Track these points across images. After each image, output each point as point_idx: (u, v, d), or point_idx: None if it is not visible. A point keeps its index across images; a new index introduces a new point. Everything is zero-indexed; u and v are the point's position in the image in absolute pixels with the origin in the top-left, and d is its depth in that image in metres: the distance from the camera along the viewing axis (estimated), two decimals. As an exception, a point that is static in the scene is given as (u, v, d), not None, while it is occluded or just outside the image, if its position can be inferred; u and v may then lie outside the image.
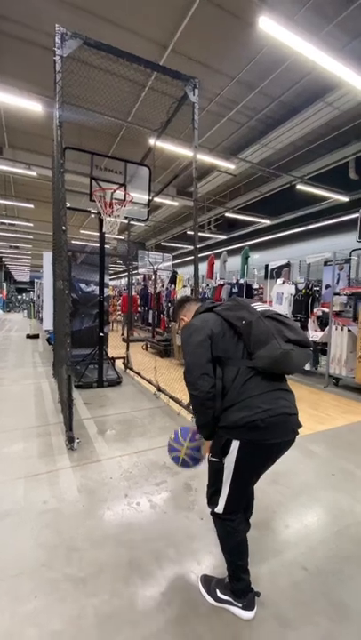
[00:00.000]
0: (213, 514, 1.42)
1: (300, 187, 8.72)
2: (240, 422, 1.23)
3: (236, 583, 1.39)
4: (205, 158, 7.29)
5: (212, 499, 1.40)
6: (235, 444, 1.26)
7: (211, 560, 1.66)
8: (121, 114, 6.33)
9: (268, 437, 1.24)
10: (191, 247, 3.56)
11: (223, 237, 14.40)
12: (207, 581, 1.50)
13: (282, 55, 4.78)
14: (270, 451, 1.31)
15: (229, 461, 1.29)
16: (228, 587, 1.41)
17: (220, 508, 1.37)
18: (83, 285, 6.07)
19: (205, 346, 1.31)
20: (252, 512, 1.63)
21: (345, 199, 9.22)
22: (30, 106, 5.25)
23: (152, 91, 5.62)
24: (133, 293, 12.11)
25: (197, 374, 1.28)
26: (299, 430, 1.33)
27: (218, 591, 1.43)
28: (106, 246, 4.88)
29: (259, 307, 1.37)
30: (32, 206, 11.15)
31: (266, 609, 1.41)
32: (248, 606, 1.37)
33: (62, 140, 2.89)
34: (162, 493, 2.23)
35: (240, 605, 1.38)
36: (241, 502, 1.44)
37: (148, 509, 2.06)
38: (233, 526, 1.38)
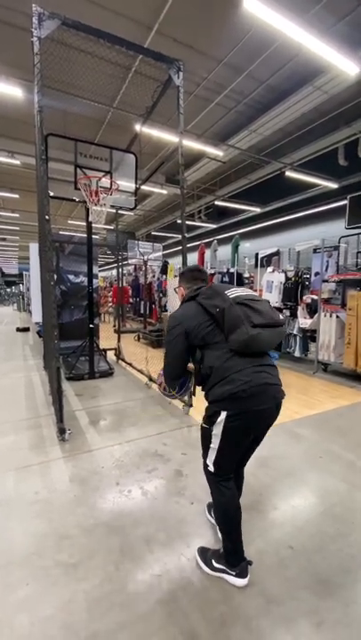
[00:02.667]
0: (207, 473, 1.55)
1: (289, 174, 8.67)
2: (225, 394, 1.36)
3: (230, 551, 1.49)
4: (193, 145, 7.17)
5: (205, 459, 1.54)
6: (222, 415, 1.38)
7: (201, 542, 1.70)
8: (106, 99, 6.15)
9: (251, 405, 1.36)
10: (181, 236, 3.52)
11: (213, 226, 14.30)
12: (204, 552, 1.59)
13: (269, 37, 4.67)
14: (255, 417, 1.41)
15: (217, 429, 1.41)
16: (223, 556, 1.51)
17: (210, 466, 1.50)
18: (71, 277, 5.99)
19: (181, 340, 1.49)
20: (241, 494, 1.68)
21: (334, 186, 9.21)
22: (10, 90, 5.07)
23: (138, 74, 5.46)
24: (124, 284, 12.02)
25: (170, 359, 1.57)
26: (282, 401, 1.49)
27: (213, 561, 1.52)
28: (94, 236, 4.81)
29: (232, 293, 1.45)
30: (17, 196, 10.87)
31: (253, 586, 1.46)
32: (241, 574, 1.47)
33: (43, 126, 2.80)
34: (153, 480, 2.26)
35: (234, 573, 1.47)
36: (230, 466, 1.52)
37: (140, 496, 2.09)
38: (226, 487, 1.50)
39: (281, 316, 1.51)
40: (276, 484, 2.25)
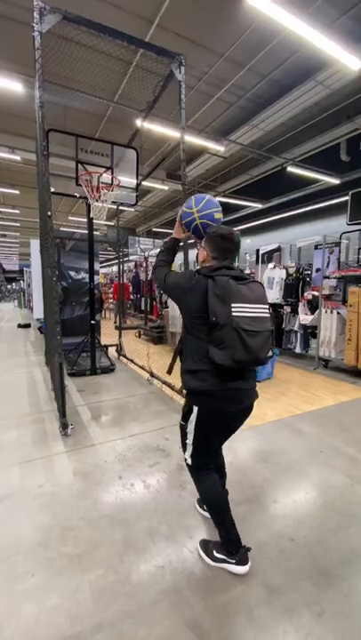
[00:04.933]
0: (188, 467, 1.64)
1: (291, 169, 8.62)
2: (196, 389, 1.43)
3: (226, 539, 1.54)
4: (195, 140, 7.13)
5: (184, 454, 1.63)
6: (195, 411, 1.46)
7: (202, 534, 1.73)
8: (107, 93, 6.11)
9: (220, 406, 1.43)
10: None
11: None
12: (205, 544, 1.63)
13: (271, 31, 4.63)
14: (224, 417, 1.48)
15: (191, 426, 1.50)
16: (222, 545, 1.55)
17: (189, 459, 1.59)
18: (72, 273, 6.00)
19: (178, 293, 1.51)
20: (226, 474, 1.81)
21: (336, 181, 9.16)
22: (10, 85, 5.04)
23: (139, 69, 5.42)
24: (125, 281, 12.02)
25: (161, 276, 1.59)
26: (255, 402, 1.53)
27: (214, 551, 1.56)
28: (95, 233, 4.81)
29: (238, 310, 1.31)
30: (17, 192, 10.84)
31: (254, 577, 1.49)
32: (241, 561, 1.51)
33: (44, 121, 2.80)
34: (155, 474, 2.29)
35: (234, 561, 1.51)
36: (206, 459, 1.61)
37: (142, 490, 2.12)
38: (205, 479, 1.59)
39: (271, 327, 1.45)
40: (277, 477, 2.27)
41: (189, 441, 1.54)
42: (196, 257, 1.70)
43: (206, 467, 1.61)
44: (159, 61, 3.57)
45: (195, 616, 1.31)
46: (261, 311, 1.37)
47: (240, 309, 1.31)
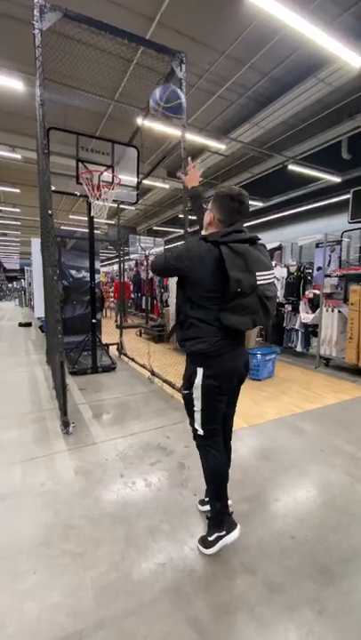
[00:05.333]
0: (198, 438, 1.64)
1: (292, 167, 8.59)
2: (199, 351, 1.47)
3: (219, 512, 1.61)
4: (195, 138, 7.11)
5: (193, 425, 1.63)
6: (199, 372, 1.50)
7: (203, 532, 1.73)
8: (107, 91, 6.09)
9: (224, 361, 1.48)
10: (183, 231, 3.52)
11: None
12: (201, 539, 1.66)
13: (272, 29, 4.61)
14: (229, 373, 1.53)
15: (197, 392, 1.52)
16: (211, 525, 1.62)
17: (200, 430, 1.59)
18: (73, 272, 6.00)
19: (174, 270, 1.47)
20: (230, 465, 1.78)
21: (337, 180, 9.13)
22: (11, 83, 5.03)
23: (139, 66, 5.40)
24: (126, 279, 12.01)
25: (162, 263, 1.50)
26: (249, 359, 1.64)
27: (208, 538, 1.61)
28: (96, 231, 4.81)
29: (260, 277, 1.36)
30: (18, 191, 10.83)
31: (255, 574, 1.49)
32: (230, 528, 1.60)
33: (45, 119, 2.79)
34: (156, 472, 2.30)
35: (225, 532, 1.59)
36: (215, 425, 1.60)
37: (143, 488, 2.13)
38: (217, 451, 1.61)
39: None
40: (278, 476, 2.28)
41: (197, 407, 1.54)
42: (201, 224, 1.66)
43: (216, 435, 1.61)
44: (160, 59, 3.55)
45: (196, 613, 1.31)
46: (273, 276, 1.47)
47: (262, 277, 1.37)
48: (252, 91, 6.40)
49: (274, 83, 6.14)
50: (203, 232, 1.58)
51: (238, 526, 1.65)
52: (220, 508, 1.63)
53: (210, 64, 5.64)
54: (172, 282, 6.71)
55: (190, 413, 1.62)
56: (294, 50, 5.22)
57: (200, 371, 1.49)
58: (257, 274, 1.35)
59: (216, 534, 1.61)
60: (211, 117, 7.41)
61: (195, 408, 1.56)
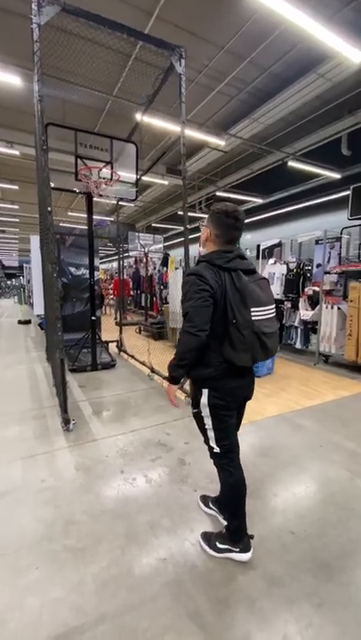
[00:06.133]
0: (215, 456, 1.59)
1: (291, 164, 8.55)
2: (205, 376, 1.46)
3: (236, 529, 1.56)
4: (195, 134, 7.07)
5: (208, 444, 1.58)
6: (205, 392, 1.48)
7: (204, 527, 1.74)
8: (106, 87, 6.04)
9: (225, 383, 1.47)
10: (182, 228, 3.51)
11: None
12: (207, 536, 1.64)
13: (272, 23, 4.56)
14: (232, 392, 1.50)
15: (205, 410, 1.50)
16: (226, 536, 1.57)
17: (216, 447, 1.55)
18: (73, 269, 5.99)
19: (207, 296, 1.34)
20: None
21: (337, 176, 9.10)
22: (8, 79, 4.98)
23: (138, 61, 5.36)
24: (125, 276, 11.99)
25: (194, 317, 1.33)
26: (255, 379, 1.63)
27: (217, 543, 1.58)
28: (95, 228, 4.79)
29: (257, 314, 1.36)
30: (16, 187, 10.77)
31: (255, 569, 1.51)
32: (245, 549, 1.55)
33: (43, 115, 2.77)
34: (157, 469, 2.31)
35: (238, 550, 1.54)
36: (229, 440, 1.55)
37: (144, 484, 2.14)
38: (235, 467, 1.57)
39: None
40: (277, 472, 2.29)
41: (209, 425, 1.52)
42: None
43: (232, 452, 1.57)
44: (159, 54, 3.52)
45: (196, 607, 1.33)
46: (273, 311, 1.46)
47: (258, 313, 1.37)
48: (252, 86, 6.36)
49: (274, 78, 6.10)
50: (201, 249, 1.59)
51: (251, 550, 1.55)
52: (238, 525, 1.57)
53: (209, 59, 5.60)
54: (173, 279, 6.70)
55: (203, 432, 1.58)
56: (294, 45, 5.18)
57: (205, 391, 1.48)
58: (252, 309, 1.34)
59: (228, 546, 1.56)
60: (210, 113, 7.36)
61: (206, 426, 1.53)
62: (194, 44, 5.05)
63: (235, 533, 1.56)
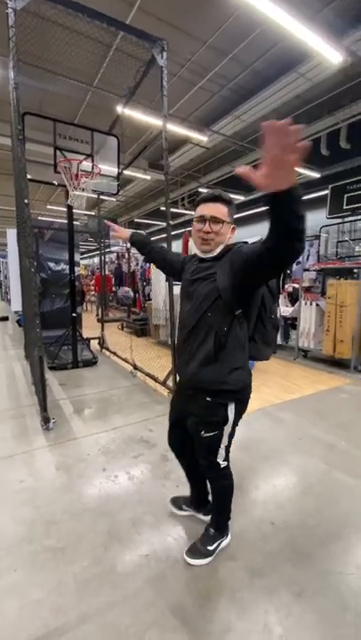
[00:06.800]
0: (218, 471, 1.47)
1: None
2: (247, 383, 1.37)
3: (225, 521, 1.62)
4: (177, 129, 7.01)
5: (215, 461, 1.43)
6: (232, 407, 1.35)
7: (188, 523, 1.76)
8: (86, 77, 5.89)
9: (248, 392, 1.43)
10: (165, 224, 3.48)
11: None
12: (194, 550, 1.54)
13: (254, 20, 4.56)
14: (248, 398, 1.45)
15: (228, 426, 1.38)
16: (215, 535, 1.58)
17: (222, 462, 1.45)
18: (52, 264, 5.84)
19: None
20: None
21: (317, 175, 9.29)
22: (-17, 64, 4.76)
23: (119, 52, 5.24)
24: (107, 272, 11.82)
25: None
26: None
27: (208, 547, 1.54)
28: (75, 222, 4.68)
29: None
30: (-8, 179, 10.35)
31: (237, 561, 1.53)
32: (228, 532, 1.64)
33: (19, 104, 2.67)
34: (139, 465, 2.30)
35: (225, 537, 1.61)
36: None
37: (126, 481, 2.13)
38: (230, 470, 1.55)
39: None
40: (258, 465, 2.33)
41: (225, 443, 1.41)
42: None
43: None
44: (140, 46, 3.46)
45: (179, 602, 1.33)
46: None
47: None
48: (234, 83, 6.37)
49: (255, 76, 6.13)
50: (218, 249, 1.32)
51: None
52: (228, 518, 1.61)
53: (191, 53, 5.56)
54: (155, 275, 6.64)
55: (213, 451, 1.41)
56: (276, 43, 5.22)
57: (233, 406, 1.34)
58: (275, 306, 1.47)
59: (219, 541, 1.57)
60: (193, 108, 7.32)
61: (221, 445, 1.39)
62: (176, 38, 4.99)
63: (225, 526, 1.61)
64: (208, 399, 1.33)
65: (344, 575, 1.46)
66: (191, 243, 8.66)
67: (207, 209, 1.29)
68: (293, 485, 2.12)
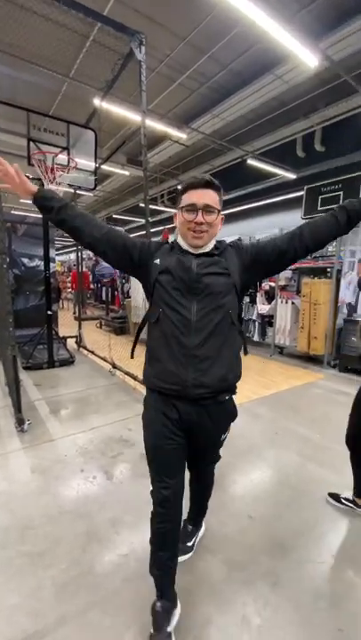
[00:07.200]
0: (215, 464, 1.51)
1: (250, 162, 8.79)
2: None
3: (204, 511, 1.63)
4: (156, 125, 6.96)
5: (219, 454, 1.44)
6: (234, 396, 1.31)
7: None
8: (62, 68, 5.71)
9: None
10: (144, 221, 3.45)
11: (176, 211, 14.16)
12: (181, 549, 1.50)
13: (232, 19, 4.60)
14: None
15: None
16: (193, 530, 1.61)
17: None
18: (26, 260, 5.65)
19: None
20: None
21: (293, 176, 9.51)
22: None
23: (96, 44, 5.11)
24: (84, 269, 11.57)
25: None
26: None
27: (188, 544, 1.56)
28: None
29: None
30: None
31: (215, 555, 1.56)
32: (202, 523, 1.66)
33: (-9, 91, 2.54)
34: (118, 465, 2.28)
35: (200, 529, 1.64)
36: None
37: (105, 481, 2.10)
38: None
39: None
40: (236, 460, 2.38)
41: (226, 434, 1.36)
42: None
43: None
44: (118, 38, 3.40)
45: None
46: None
47: None
48: (213, 81, 6.39)
49: (234, 76, 6.18)
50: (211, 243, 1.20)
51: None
52: (206, 510, 1.62)
53: (170, 49, 5.52)
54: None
55: (220, 445, 1.38)
56: (253, 44, 5.27)
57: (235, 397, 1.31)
58: None
59: (196, 535, 1.60)
60: (172, 105, 7.28)
61: (224, 436, 1.34)
62: (155, 32, 4.93)
63: (202, 518, 1.64)
64: (227, 397, 1.24)
65: (317, 563, 1.53)
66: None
67: (198, 196, 1.11)
68: (270, 478, 2.18)
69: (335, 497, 1.94)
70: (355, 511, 1.86)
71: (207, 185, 1.13)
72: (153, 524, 1.23)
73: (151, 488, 1.24)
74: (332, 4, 4.54)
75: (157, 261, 1.17)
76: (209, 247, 1.17)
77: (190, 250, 1.16)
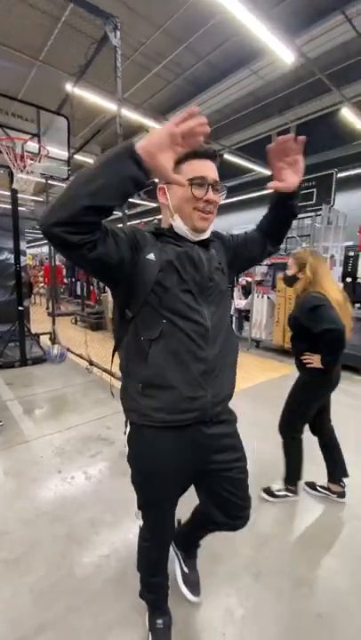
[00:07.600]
0: None
1: (227, 157, 8.82)
2: None
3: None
4: (131, 115, 6.81)
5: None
6: None
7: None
8: (30, 50, 5.42)
9: None
10: (120, 214, 3.36)
11: (153, 205, 14.00)
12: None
13: (209, 10, 4.54)
14: None
15: None
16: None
17: None
18: (-5, 253, 5.35)
19: None
20: None
21: (269, 172, 9.66)
22: None
23: (68, 26, 4.89)
24: (57, 263, 11.19)
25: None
26: None
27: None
28: (21, 208, 4.33)
29: None
30: None
31: (201, 549, 1.56)
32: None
33: None
34: (97, 464, 2.23)
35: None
36: None
37: (83, 481, 2.05)
38: None
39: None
40: (217, 454, 2.39)
41: None
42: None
43: None
44: (91, 22, 3.26)
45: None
46: None
47: None
48: (189, 72, 6.32)
49: (210, 68, 6.14)
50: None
51: None
52: None
53: (146, 37, 5.38)
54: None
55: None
56: (230, 36, 5.25)
57: None
58: None
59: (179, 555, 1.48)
60: (147, 95, 7.14)
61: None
62: (130, 18, 4.79)
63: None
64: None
65: (297, 552, 1.57)
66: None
67: (207, 168, 0.90)
68: (249, 469, 2.21)
69: (311, 485, 2.01)
70: (329, 497, 1.93)
71: (214, 156, 0.93)
72: (142, 554, 1.15)
73: (140, 522, 1.10)
74: (308, 0, 4.58)
75: (151, 256, 0.87)
76: (207, 234, 0.98)
77: (190, 235, 0.93)
